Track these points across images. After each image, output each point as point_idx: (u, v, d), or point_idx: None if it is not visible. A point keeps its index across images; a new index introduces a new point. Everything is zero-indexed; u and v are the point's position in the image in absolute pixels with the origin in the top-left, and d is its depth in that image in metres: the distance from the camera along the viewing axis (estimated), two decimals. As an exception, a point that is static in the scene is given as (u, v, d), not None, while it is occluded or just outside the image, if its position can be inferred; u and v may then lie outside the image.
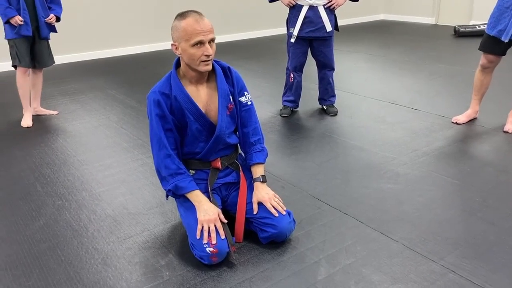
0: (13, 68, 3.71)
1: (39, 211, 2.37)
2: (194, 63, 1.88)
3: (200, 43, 1.83)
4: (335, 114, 3.76)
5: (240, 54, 6.39)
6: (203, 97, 1.99)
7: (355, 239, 2.07)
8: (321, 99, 3.86)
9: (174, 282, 1.82)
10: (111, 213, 2.35)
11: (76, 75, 5.37)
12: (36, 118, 3.83)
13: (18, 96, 3.74)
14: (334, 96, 3.84)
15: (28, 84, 3.74)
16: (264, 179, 2.08)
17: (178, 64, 1.99)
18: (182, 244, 2.05)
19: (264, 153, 2.13)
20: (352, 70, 5.29)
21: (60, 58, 5.80)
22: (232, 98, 2.05)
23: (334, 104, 3.85)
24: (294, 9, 3.52)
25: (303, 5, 3.46)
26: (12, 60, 3.62)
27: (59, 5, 3.73)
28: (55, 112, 3.96)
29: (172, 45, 1.92)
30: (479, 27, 6.93)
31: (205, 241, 1.84)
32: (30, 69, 3.72)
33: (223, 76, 2.01)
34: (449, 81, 4.65)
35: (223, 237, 1.88)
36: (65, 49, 5.89)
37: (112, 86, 4.82)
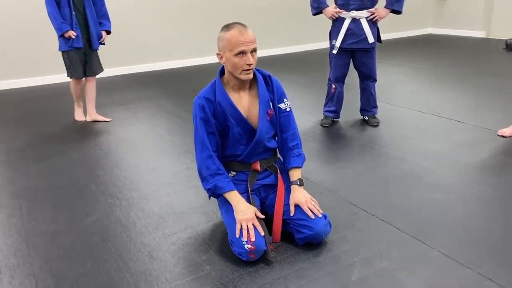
0: (68, 78, 4.09)
1: (93, 208, 2.57)
2: (236, 72, 2.01)
3: (243, 53, 1.96)
4: (376, 125, 3.78)
5: (286, 67, 6.52)
6: (245, 103, 2.11)
7: (391, 245, 2.11)
8: (363, 110, 3.90)
9: (214, 276, 1.93)
10: (157, 211, 2.50)
11: (129, 86, 5.69)
12: (92, 124, 4.11)
13: (67, 105, 4.21)
14: (376, 107, 3.87)
15: (79, 89, 4.13)
16: (301, 183, 2.16)
17: (222, 72, 2.13)
18: (222, 242, 2.16)
19: (301, 158, 2.21)
20: (396, 82, 5.28)
21: (115, 70, 6.20)
22: (272, 104, 2.15)
23: (376, 115, 3.87)
24: (337, 22, 3.61)
25: (345, 18, 3.54)
26: (67, 71, 4.00)
27: (108, 19, 4.06)
28: (108, 119, 4.23)
29: (217, 54, 2.06)
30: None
31: (244, 239, 1.94)
32: (86, 78, 4.09)
33: (264, 84, 2.13)
34: (497, 95, 4.54)
35: (262, 233, 1.97)
36: (120, 62, 6.26)
37: (162, 96, 5.07)
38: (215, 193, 2.10)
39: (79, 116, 4.26)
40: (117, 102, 4.86)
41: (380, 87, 4.87)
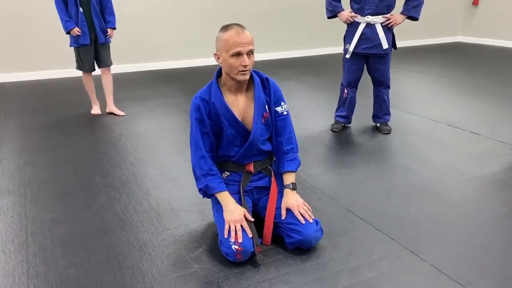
0: (79, 71, 4.27)
1: (94, 200, 2.62)
2: (232, 73, 2.01)
3: (239, 54, 1.96)
4: (388, 132, 3.72)
5: (302, 69, 6.49)
6: (241, 105, 2.11)
7: (382, 255, 2.07)
8: (375, 117, 3.84)
9: (200, 274, 1.94)
10: (155, 207, 2.53)
11: (147, 82, 5.78)
12: (105, 118, 4.21)
13: (84, 98, 4.37)
14: (388, 114, 3.80)
15: (92, 82, 4.29)
16: (294, 187, 2.15)
17: (220, 74, 2.14)
18: (213, 241, 2.17)
19: (296, 162, 2.19)
20: (415, 90, 5.18)
21: (133, 66, 6.31)
22: (268, 107, 2.15)
23: (388, 123, 3.81)
24: (352, 26, 3.57)
25: (360, 22, 3.50)
26: (76, 64, 4.20)
27: (112, 15, 4.15)
28: (122, 113, 4.34)
29: (214, 54, 2.06)
30: None
31: (232, 239, 1.95)
32: (100, 69, 4.26)
33: (261, 86, 2.13)
34: (519, 107, 4.40)
35: (250, 235, 1.97)
36: (138, 59, 6.37)
37: (177, 94, 5.13)
38: (207, 193, 2.11)
39: (95, 110, 4.39)
40: (133, 98, 4.94)
41: (398, 94, 4.81)
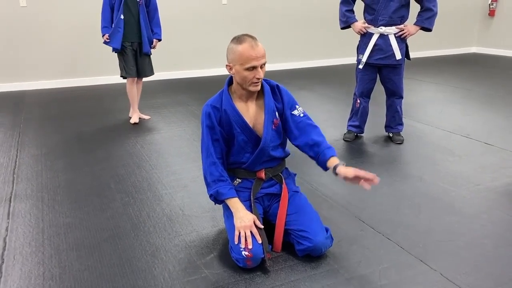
0: (121, 79, 4.38)
1: (108, 205, 2.68)
2: (245, 84, 2.05)
3: (254, 68, 1.99)
4: (400, 142, 3.72)
5: (315, 79, 6.52)
6: (251, 112, 2.15)
7: (392, 264, 2.07)
8: (388, 127, 3.85)
9: (210, 279, 1.97)
10: (168, 212, 2.58)
11: (164, 91, 5.87)
12: (124, 126, 4.29)
13: (101, 105, 4.47)
14: (401, 124, 3.81)
15: (135, 90, 4.38)
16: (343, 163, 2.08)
17: (230, 82, 2.18)
18: (224, 247, 2.20)
19: (333, 149, 2.14)
20: (429, 100, 5.16)
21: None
22: (279, 114, 2.18)
23: (401, 133, 3.81)
24: (365, 37, 3.59)
25: (373, 33, 3.52)
26: (120, 71, 4.28)
27: (159, 27, 4.32)
28: (147, 117, 4.55)
29: (226, 65, 2.09)
30: None
31: (242, 245, 1.98)
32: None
33: (270, 94, 2.16)
34: (535, 119, 4.35)
35: (260, 241, 2.00)
36: (156, 68, 6.46)
37: (193, 102, 5.20)
38: (217, 199, 2.14)
39: (134, 119, 4.41)
40: (151, 106, 5.02)
41: (411, 105, 4.81)
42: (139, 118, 4.49)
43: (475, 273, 2.00)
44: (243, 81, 2.05)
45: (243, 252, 1.97)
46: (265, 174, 2.21)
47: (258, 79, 2.03)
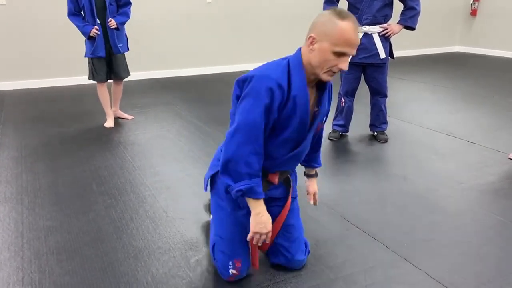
0: (90, 81, 4.22)
1: (90, 207, 2.62)
2: (320, 68, 1.64)
3: (343, 54, 1.61)
4: (385, 141, 3.73)
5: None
6: (310, 107, 1.77)
7: (377, 263, 2.07)
8: (372, 125, 3.86)
9: (193, 282, 1.94)
10: (151, 215, 2.53)
11: (148, 90, 5.80)
12: (103, 126, 4.21)
13: (82, 106, 4.33)
14: (385, 123, 3.82)
15: (106, 94, 4.25)
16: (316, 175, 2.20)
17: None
18: (208, 249, 2.17)
19: (320, 161, 2.18)
20: (412, 99, 5.20)
21: (136, 74, 6.33)
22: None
23: (385, 131, 3.82)
24: (349, 36, 3.59)
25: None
26: (88, 74, 4.16)
27: (122, 15, 4.06)
28: (130, 117, 4.46)
29: (310, 37, 1.65)
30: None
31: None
32: (113, 80, 4.28)
33: (327, 93, 1.84)
34: (516, 117, 4.42)
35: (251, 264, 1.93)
36: (141, 67, 6.40)
37: (177, 102, 5.15)
38: (245, 195, 1.70)
39: (109, 123, 4.25)
40: (134, 105, 4.95)
41: (396, 103, 4.83)
42: (121, 118, 4.42)
43: (460, 271, 2.01)
44: (319, 64, 1.63)
45: (230, 270, 1.88)
46: (278, 179, 1.90)
47: (339, 69, 1.64)
